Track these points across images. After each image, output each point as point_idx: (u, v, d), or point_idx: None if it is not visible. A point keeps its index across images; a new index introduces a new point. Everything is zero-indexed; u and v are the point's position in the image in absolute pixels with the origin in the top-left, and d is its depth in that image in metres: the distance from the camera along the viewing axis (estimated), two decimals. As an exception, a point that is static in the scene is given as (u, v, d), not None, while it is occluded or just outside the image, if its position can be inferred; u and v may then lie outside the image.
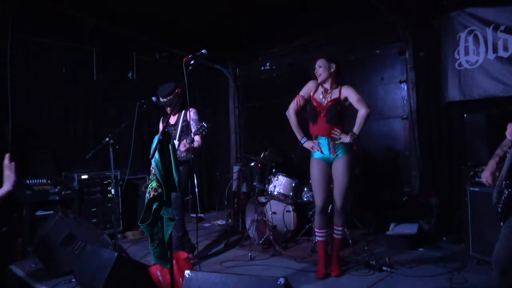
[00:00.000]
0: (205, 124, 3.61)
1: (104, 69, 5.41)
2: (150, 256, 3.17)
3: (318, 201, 3.40)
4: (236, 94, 7.22)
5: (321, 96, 3.41)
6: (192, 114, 3.93)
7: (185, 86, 2.38)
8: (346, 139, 3.27)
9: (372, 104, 5.44)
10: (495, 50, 4.24)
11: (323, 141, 3.37)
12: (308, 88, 3.45)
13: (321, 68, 3.38)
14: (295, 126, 3.48)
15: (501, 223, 2.17)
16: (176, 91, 3.83)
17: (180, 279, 2.66)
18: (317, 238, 3.48)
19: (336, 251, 3.49)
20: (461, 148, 4.25)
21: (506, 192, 2.08)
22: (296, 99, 3.46)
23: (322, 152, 3.38)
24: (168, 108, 3.95)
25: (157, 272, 2.88)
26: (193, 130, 3.77)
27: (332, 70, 3.38)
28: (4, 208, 3.99)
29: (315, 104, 3.38)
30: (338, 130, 3.31)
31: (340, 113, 3.35)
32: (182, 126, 3.90)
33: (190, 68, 2.41)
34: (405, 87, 5.13)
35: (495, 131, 3.47)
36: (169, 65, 6.03)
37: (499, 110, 3.85)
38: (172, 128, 3.93)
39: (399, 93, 5.23)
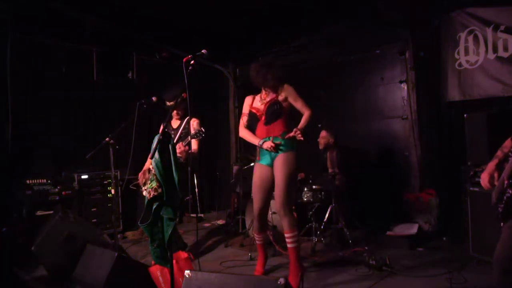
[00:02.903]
0: (203, 129, 3.69)
1: (104, 69, 5.41)
2: (150, 256, 3.18)
3: (255, 207, 3.37)
4: (236, 94, 7.22)
5: (259, 104, 3.41)
6: (195, 125, 4.05)
7: (185, 86, 2.38)
8: (290, 133, 3.16)
9: (372, 104, 5.52)
10: (495, 50, 4.24)
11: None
12: (245, 104, 3.51)
13: (258, 74, 3.32)
14: (250, 135, 3.42)
15: (502, 223, 2.17)
16: (182, 95, 3.87)
17: (180, 279, 2.66)
18: (256, 242, 3.54)
19: (291, 260, 3.23)
20: (461, 148, 4.24)
21: (510, 192, 2.08)
22: (241, 119, 3.52)
23: (258, 158, 3.34)
24: (174, 112, 4.04)
25: (157, 272, 2.87)
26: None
27: (269, 75, 3.28)
28: (4, 208, 4.00)
29: (254, 111, 3.40)
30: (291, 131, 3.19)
31: (278, 112, 3.27)
32: (181, 133, 3.99)
33: (190, 68, 2.41)
34: (405, 87, 5.13)
35: (495, 131, 3.49)
36: (169, 65, 6.03)
37: (499, 110, 3.85)
38: (172, 132, 4.00)
39: (399, 93, 5.23)
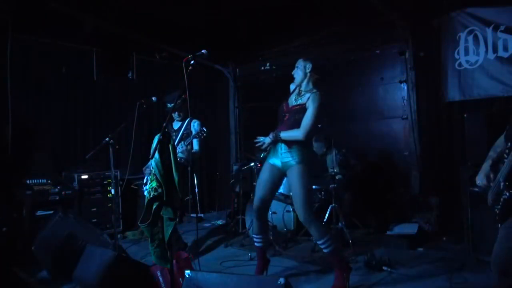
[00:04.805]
0: (204, 129, 3.74)
1: (104, 69, 5.41)
2: (150, 256, 3.18)
3: (254, 202, 3.23)
4: (236, 94, 7.22)
5: (293, 99, 3.23)
6: (196, 126, 4.09)
7: (185, 87, 2.38)
8: (266, 139, 3.12)
9: (372, 104, 5.52)
10: (495, 50, 4.24)
11: (277, 145, 3.16)
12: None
13: (297, 69, 3.23)
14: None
15: (499, 224, 2.16)
16: (183, 96, 3.89)
17: (180, 279, 2.66)
18: (255, 244, 3.33)
19: (333, 265, 3.14)
20: (461, 148, 4.25)
21: (507, 194, 2.07)
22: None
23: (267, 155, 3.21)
24: (176, 113, 4.07)
25: (157, 272, 2.87)
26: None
27: (307, 70, 3.20)
28: (4, 208, 4.00)
29: (284, 106, 3.24)
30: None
31: (299, 122, 3.08)
32: (183, 134, 4.02)
33: (190, 68, 2.41)
34: (405, 87, 5.14)
35: (495, 131, 3.48)
36: (169, 65, 6.03)
37: (499, 110, 3.86)
38: (174, 133, 4.03)
39: (399, 93, 5.23)
